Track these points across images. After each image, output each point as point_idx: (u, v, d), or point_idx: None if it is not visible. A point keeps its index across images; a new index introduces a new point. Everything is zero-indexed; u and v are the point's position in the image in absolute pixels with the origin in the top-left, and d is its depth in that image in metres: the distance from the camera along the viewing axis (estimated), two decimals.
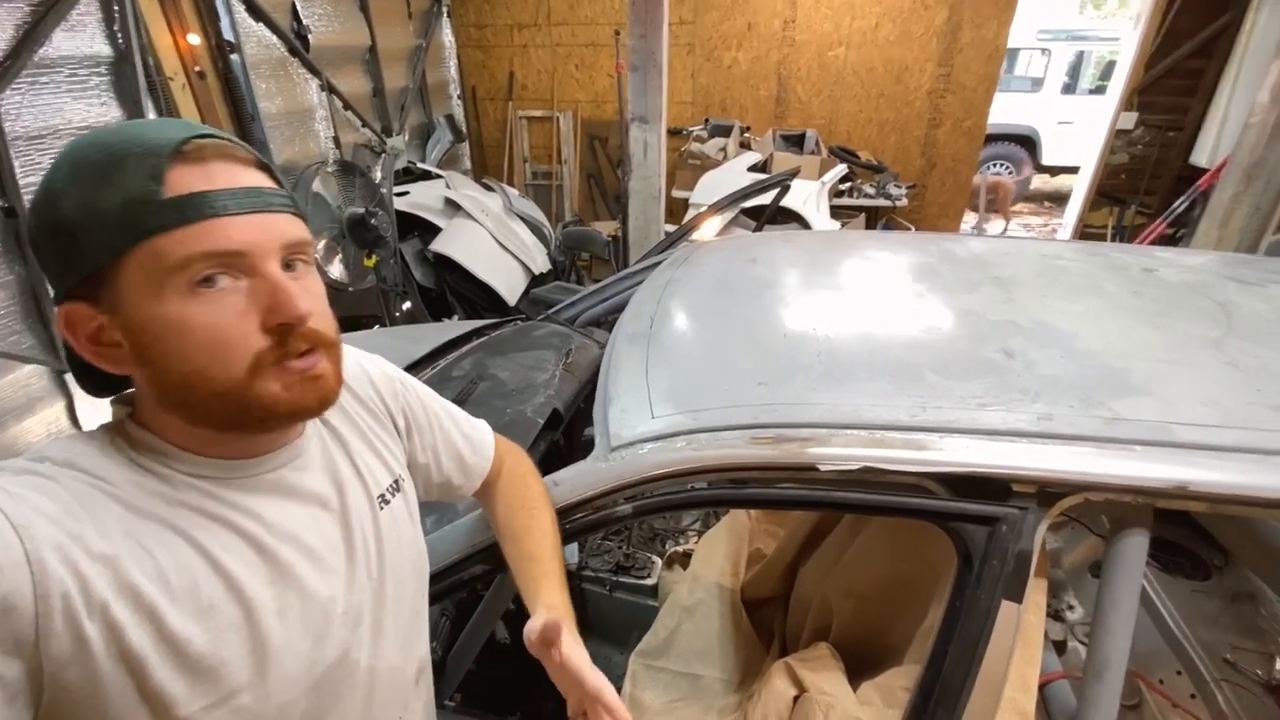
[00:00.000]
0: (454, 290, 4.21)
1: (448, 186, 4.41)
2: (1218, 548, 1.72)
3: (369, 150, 4.42)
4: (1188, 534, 1.73)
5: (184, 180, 0.49)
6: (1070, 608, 1.65)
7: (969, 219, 6.03)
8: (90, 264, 0.49)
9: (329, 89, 3.94)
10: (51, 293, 0.54)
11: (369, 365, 0.76)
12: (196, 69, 2.95)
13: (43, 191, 0.50)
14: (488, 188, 4.78)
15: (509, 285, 4.18)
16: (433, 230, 4.15)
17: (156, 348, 0.50)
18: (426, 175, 4.68)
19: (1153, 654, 1.46)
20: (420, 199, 4.25)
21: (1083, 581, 1.72)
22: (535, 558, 0.79)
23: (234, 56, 3.19)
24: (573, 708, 0.65)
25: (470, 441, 0.85)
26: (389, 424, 0.75)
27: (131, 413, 0.56)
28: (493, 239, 4.22)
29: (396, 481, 0.72)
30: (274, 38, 3.49)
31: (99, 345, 0.52)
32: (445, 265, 4.11)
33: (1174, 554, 1.71)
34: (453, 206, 4.26)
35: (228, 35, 3.13)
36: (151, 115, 2.70)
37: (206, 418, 0.54)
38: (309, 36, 3.76)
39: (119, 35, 2.48)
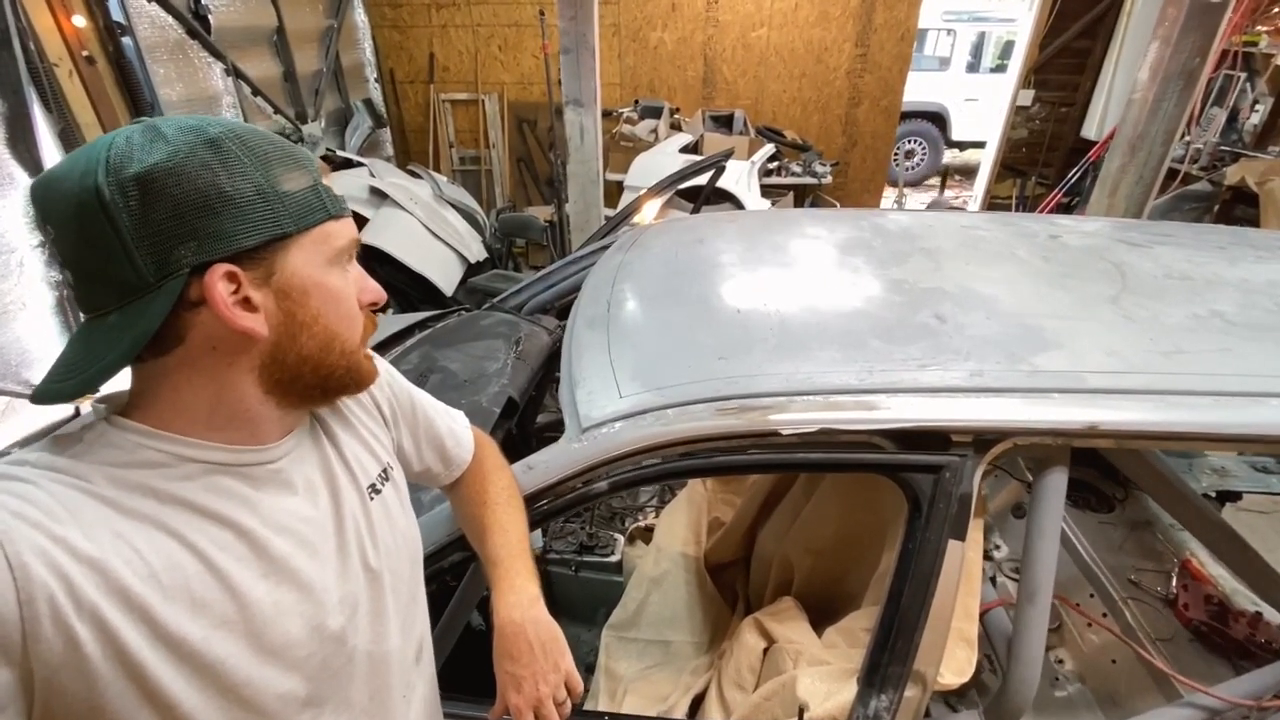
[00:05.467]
0: (386, 283, 4.06)
1: (371, 174, 4.24)
2: (1118, 484, 1.93)
3: (284, 138, 4.19)
4: (1093, 473, 1.94)
5: (327, 184, 0.60)
6: (997, 547, 1.81)
7: (888, 193, 6.32)
8: (274, 232, 0.53)
9: (235, 73, 3.70)
10: (148, 262, 0.50)
11: None
12: (84, 54, 2.70)
13: (206, 161, 0.51)
14: (414, 174, 4.62)
15: (445, 275, 4.08)
16: (358, 221, 4.00)
17: (313, 310, 0.57)
18: (347, 163, 4.47)
19: (1069, 580, 1.63)
20: (343, 188, 4.07)
21: (1006, 524, 1.90)
22: (497, 559, 0.81)
23: (126, 40, 2.94)
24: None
25: (453, 433, 0.87)
26: (375, 413, 0.75)
27: (121, 409, 0.56)
28: (424, 228, 4.09)
29: (385, 470, 0.73)
30: (169, 18, 3.24)
31: (239, 306, 0.54)
32: (375, 257, 3.97)
33: (1082, 491, 1.91)
34: (379, 195, 4.10)
35: (117, 16, 2.88)
36: (36, 106, 2.46)
37: (315, 380, 0.60)
38: (209, 17, 3.51)
39: None
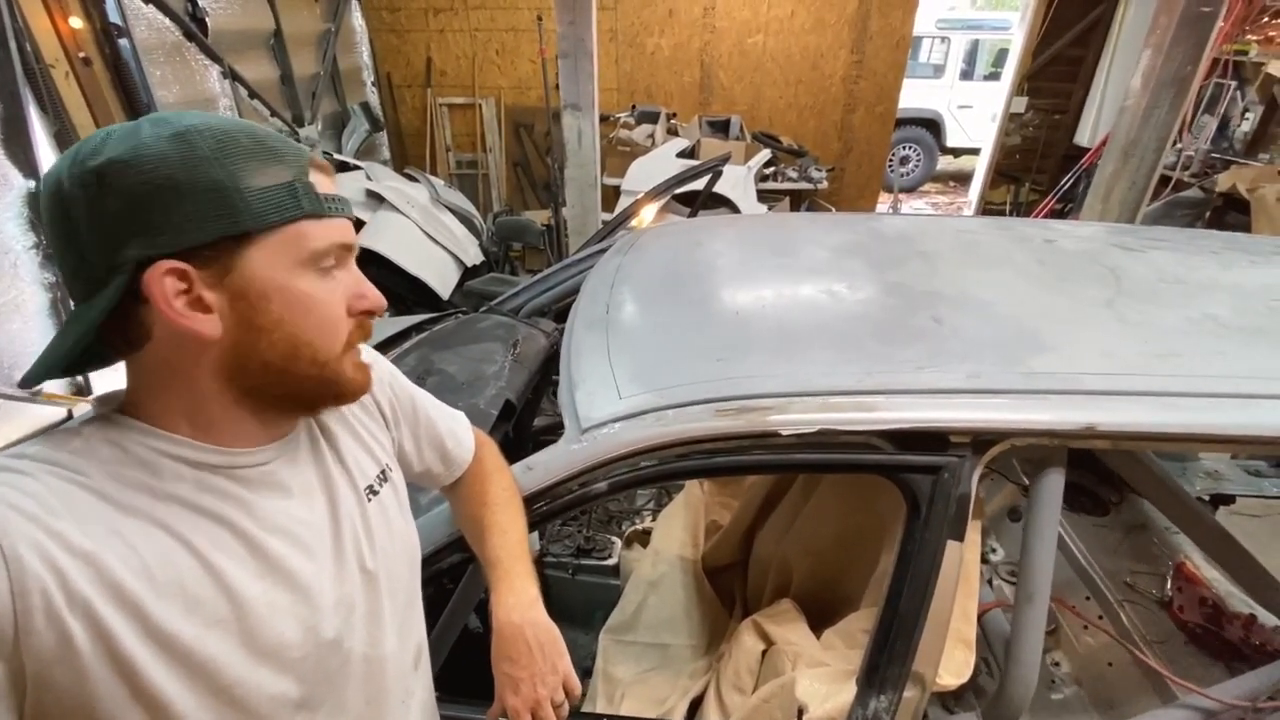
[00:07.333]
0: (381, 286, 4.04)
1: (368, 178, 4.24)
2: (1113, 487, 1.94)
3: (277, 134, 4.19)
4: (1089, 477, 1.95)
5: (319, 183, 0.56)
6: (993, 550, 1.81)
7: (883, 199, 6.36)
8: (228, 229, 0.50)
9: (232, 76, 3.69)
10: (100, 256, 0.50)
11: None
12: (81, 55, 2.70)
13: (164, 154, 0.49)
14: (411, 178, 4.63)
15: (441, 279, 4.08)
16: (354, 224, 3.99)
17: (274, 315, 0.54)
18: (344, 166, 4.47)
19: (1066, 583, 1.64)
20: (340, 191, 4.07)
21: (1003, 527, 1.90)
22: (496, 560, 0.80)
23: (123, 42, 2.93)
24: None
25: (454, 434, 0.86)
26: (376, 413, 0.75)
27: (120, 406, 0.56)
28: (420, 231, 4.09)
29: (384, 472, 0.72)
30: (167, 21, 3.24)
31: (188, 306, 0.51)
32: (371, 260, 3.96)
33: (1078, 495, 1.92)
34: (375, 199, 4.10)
35: (114, 18, 2.87)
36: (32, 108, 2.45)
37: (283, 391, 0.57)
38: (206, 20, 3.50)
39: None
